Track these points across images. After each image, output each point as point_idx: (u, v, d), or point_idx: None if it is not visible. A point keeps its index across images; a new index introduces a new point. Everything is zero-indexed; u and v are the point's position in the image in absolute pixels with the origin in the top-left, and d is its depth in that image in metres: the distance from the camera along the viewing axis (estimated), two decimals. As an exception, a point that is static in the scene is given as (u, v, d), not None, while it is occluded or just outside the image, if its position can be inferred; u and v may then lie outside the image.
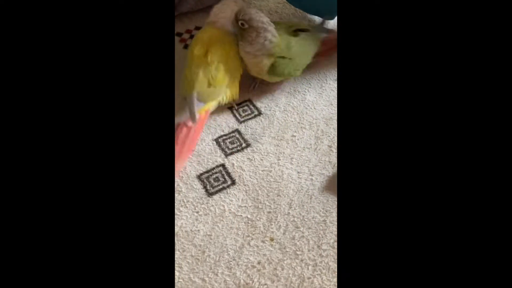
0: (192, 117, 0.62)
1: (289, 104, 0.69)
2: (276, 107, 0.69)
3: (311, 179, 0.59)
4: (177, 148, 0.59)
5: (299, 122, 0.66)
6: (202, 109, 0.63)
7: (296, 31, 0.68)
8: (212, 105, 0.65)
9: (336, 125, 0.65)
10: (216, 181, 0.59)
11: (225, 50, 0.65)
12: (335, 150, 0.62)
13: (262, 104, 0.69)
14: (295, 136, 0.65)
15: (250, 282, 0.50)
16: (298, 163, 0.61)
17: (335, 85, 0.72)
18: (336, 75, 0.73)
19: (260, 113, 0.68)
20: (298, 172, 0.60)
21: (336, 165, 0.61)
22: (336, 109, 0.68)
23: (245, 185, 0.59)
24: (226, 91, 0.65)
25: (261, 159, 0.62)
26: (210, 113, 0.66)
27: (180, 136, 0.61)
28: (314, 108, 0.68)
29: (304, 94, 0.70)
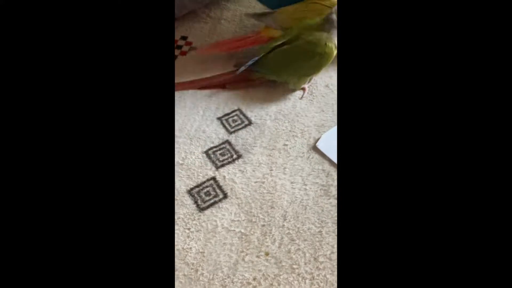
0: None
1: (279, 112, 0.67)
2: (267, 115, 0.67)
3: (305, 189, 0.58)
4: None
5: (290, 130, 0.65)
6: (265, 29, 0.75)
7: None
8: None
9: (328, 132, 0.64)
10: (207, 195, 0.57)
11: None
12: (327, 159, 0.61)
13: (252, 113, 0.67)
14: (287, 145, 0.63)
15: (246, 300, 0.48)
16: (291, 172, 0.60)
17: (326, 91, 0.70)
18: (327, 81, 0.72)
19: (250, 123, 0.66)
20: (292, 182, 0.59)
21: (329, 173, 0.59)
22: (327, 115, 0.67)
23: (237, 198, 0.57)
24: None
25: (253, 170, 0.60)
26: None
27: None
28: (306, 115, 0.67)
29: (294, 101, 0.69)
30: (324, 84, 0.71)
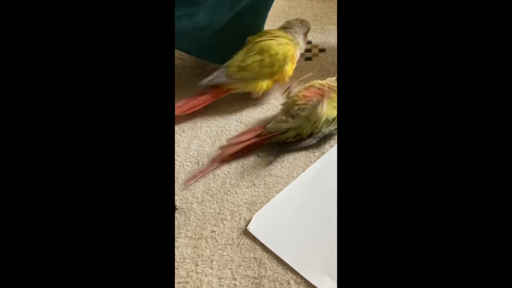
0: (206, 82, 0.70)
1: (207, 192, 0.61)
2: (193, 197, 0.61)
3: (235, 285, 0.51)
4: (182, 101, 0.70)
5: (219, 213, 0.58)
6: (225, 86, 0.71)
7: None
8: (237, 87, 0.72)
9: (259, 211, 0.58)
10: (122, 307, 0.50)
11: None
12: (259, 243, 0.54)
13: (176, 196, 0.61)
14: (215, 231, 0.56)
15: None
16: (219, 266, 0.53)
17: (258, 160, 0.65)
18: (260, 151, 0.66)
19: (174, 208, 0.59)
20: (220, 278, 0.52)
21: (261, 261, 0.53)
22: (259, 190, 0.61)
23: (157, 306, 0.50)
24: (258, 84, 0.71)
25: (176, 268, 0.53)
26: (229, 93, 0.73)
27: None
28: (235, 192, 0.61)
29: (224, 178, 0.63)
30: (256, 152, 0.66)
